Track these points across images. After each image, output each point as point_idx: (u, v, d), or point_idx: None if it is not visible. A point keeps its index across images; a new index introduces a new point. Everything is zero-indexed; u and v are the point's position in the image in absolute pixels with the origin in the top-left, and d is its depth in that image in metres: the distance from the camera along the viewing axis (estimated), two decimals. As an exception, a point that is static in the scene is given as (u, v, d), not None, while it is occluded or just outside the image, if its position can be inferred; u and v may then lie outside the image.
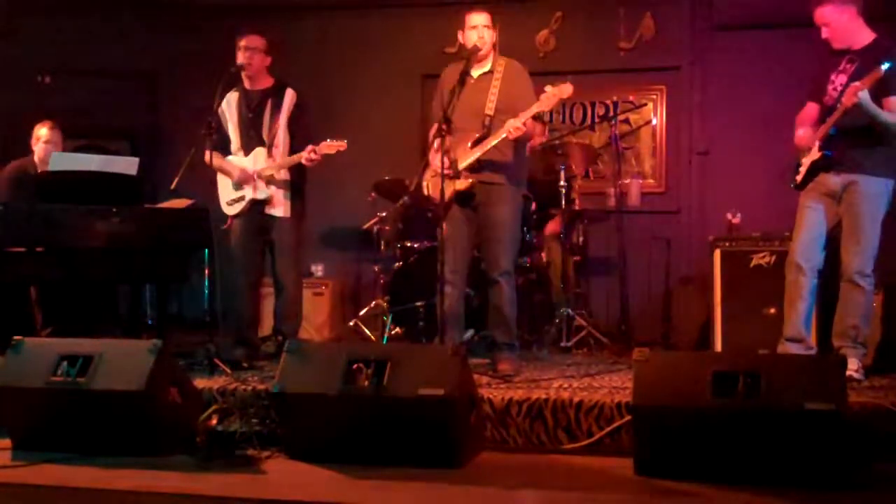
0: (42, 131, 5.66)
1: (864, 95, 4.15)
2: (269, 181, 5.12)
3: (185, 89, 7.12)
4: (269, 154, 5.16)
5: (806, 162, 4.48)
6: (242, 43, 5.14)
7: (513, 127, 4.47)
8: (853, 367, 4.27)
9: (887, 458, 3.49)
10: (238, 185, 5.17)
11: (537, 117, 4.59)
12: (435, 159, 4.59)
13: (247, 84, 5.25)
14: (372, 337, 6.23)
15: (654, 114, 7.10)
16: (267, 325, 5.56)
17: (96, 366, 3.78)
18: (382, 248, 6.40)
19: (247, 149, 5.19)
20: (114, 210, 4.83)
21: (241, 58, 5.13)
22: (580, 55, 7.13)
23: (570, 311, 5.82)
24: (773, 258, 5.10)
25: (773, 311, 4.92)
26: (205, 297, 5.63)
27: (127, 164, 5.43)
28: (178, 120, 7.19)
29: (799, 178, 4.52)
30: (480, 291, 5.24)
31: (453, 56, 6.25)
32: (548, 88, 4.54)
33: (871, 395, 3.89)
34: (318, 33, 7.55)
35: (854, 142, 4.33)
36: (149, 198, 5.55)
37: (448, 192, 4.51)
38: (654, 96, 7.12)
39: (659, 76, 7.10)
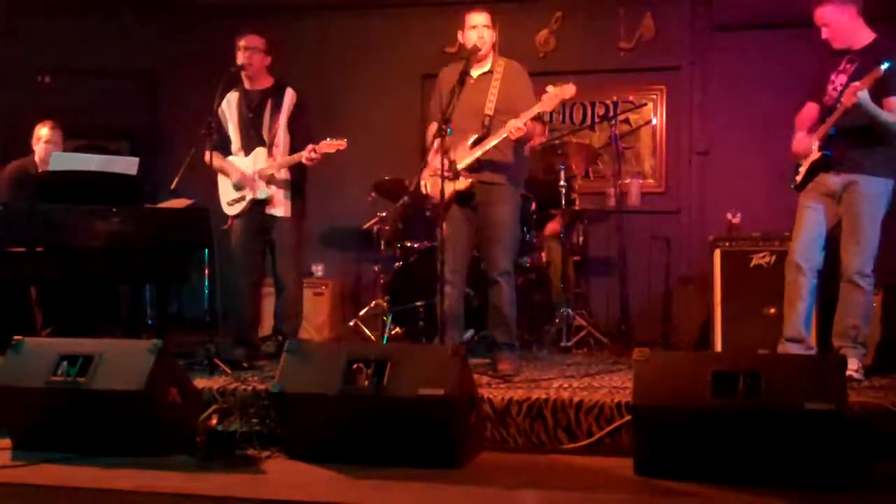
0: (43, 131, 5.66)
1: (864, 95, 4.15)
2: (270, 181, 5.13)
3: (185, 89, 7.12)
4: (270, 154, 5.16)
5: (806, 162, 4.48)
6: (242, 43, 5.14)
7: (514, 127, 4.47)
8: (853, 367, 4.27)
9: (887, 458, 3.49)
10: (238, 186, 5.17)
11: (537, 117, 4.59)
12: (434, 160, 4.59)
13: (247, 84, 5.25)
14: (372, 337, 6.23)
15: (654, 114, 7.10)
16: (267, 325, 5.56)
17: (96, 366, 3.78)
18: (382, 248, 6.40)
19: (247, 149, 5.19)
20: (114, 210, 4.83)
21: (240, 58, 5.14)
22: (580, 55, 7.12)
23: (570, 311, 5.82)
24: (773, 258, 5.10)
25: (773, 311, 4.92)
26: (205, 297, 5.62)
27: (127, 164, 5.43)
28: (178, 120, 7.20)
29: (799, 178, 4.52)
30: (480, 291, 5.24)
31: (453, 56, 6.25)
32: (550, 89, 4.54)
33: (871, 395, 3.89)
34: (318, 33, 7.55)
35: (854, 142, 4.33)
36: (149, 198, 5.54)
37: (448, 192, 4.51)
38: (654, 96, 7.12)
39: (659, 76, 7.10)
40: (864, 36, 4.41)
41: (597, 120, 7.12)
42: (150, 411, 3.77)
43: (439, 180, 4.37)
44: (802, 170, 4.49)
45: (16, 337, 4.01)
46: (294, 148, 5.15)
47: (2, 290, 5.15)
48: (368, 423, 3.62)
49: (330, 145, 5.00)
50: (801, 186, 4.53)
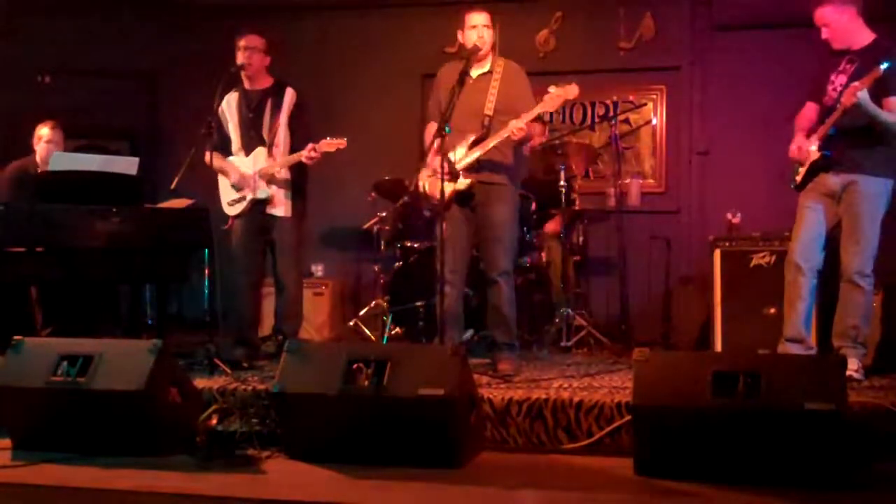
0: (43, 131, 5.66)
1: (864, 95, 4.15)
2: (270, 181, 5.13)
3: (185, 89, 7.12)
4: (270, 153, 5.16)
5: (805, 162, 4.48)
6: (242, 43, 5.14)
7: (516, 128, 4.48)
8: (853, 367, 4.27)
9: (887, 458, 3.49)
10: (238, 186, 5.17)
11: (538, 117, 4.59)
12: (434, 160, 4.59)
13: (246, 84, 5.25)
14: (372, 337, 6.23)
15: (654, 114, 7.11)
16: (267, 325, 5.56)
17: (96, 366, 3.78)
18: (382, 248, 6.41)
19: (247, 149, 5.19)
20: (114, 210, 4.83)
21: (240, 58, 5.14)
22: (580, 55, 7.13)
23: (570, 310, 5.82)
24: (773, 258, 5.10)
25: (773, 311, 4.92)
26: (205, 297, 5.63)
27: (127, 164, 5.43)
28: (178, 120, 7.20)
29: (798, 178, 4.52)
30: (479, 291, 5.24)
31: (453, 56, 6.25)
32: (552, 89, 4.54)
33: (871, 395, 3.89)
34: (318, 33, 7.55)
35: (853, 142, 4.33)
36: (149, 198, 5.54)
37: (447, 192, 4.51)
38: (654, 96, 7.12)
39: (659, 76, 7.11)
40: (863, 36, 4.41)
41: (597, 120, 7.12)
42: (150, 411, 3.77)
43: (439, 180, 4.37)
44: (802, 170, 4.50)
45: (16, 337, 4.01)
46: (294, 148, 5.15)
47: (2, 290, 5.15)
48: (368, 423, 3.62)
49: (330, 144, 5.00)
50: (800, 186, 4.54)
